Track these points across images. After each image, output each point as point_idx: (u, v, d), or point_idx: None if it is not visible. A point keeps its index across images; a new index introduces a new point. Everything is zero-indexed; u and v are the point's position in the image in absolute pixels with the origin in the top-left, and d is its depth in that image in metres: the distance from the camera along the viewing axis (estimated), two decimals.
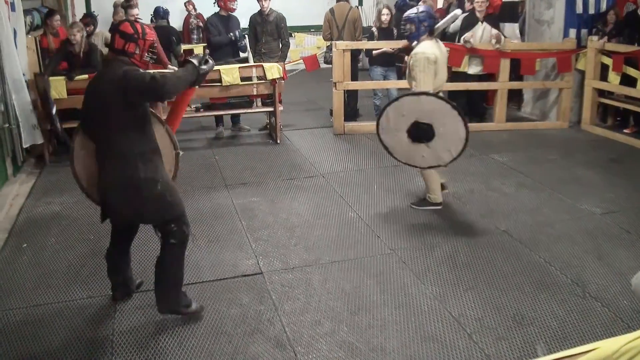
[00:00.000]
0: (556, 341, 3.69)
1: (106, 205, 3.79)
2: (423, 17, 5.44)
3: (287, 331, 3.83)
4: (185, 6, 12.38)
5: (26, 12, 7.72)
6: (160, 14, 9.85)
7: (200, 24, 12.24)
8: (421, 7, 5.64)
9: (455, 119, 5.12)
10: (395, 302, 4.16)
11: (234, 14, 8.58)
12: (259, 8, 8.59)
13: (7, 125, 6.62)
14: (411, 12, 5.56)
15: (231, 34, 8.30)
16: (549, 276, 4.49)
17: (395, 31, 9.08)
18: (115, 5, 10.39)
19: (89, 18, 9.38)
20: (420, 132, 5.24)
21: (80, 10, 12.04)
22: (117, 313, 4.08)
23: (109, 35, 8.34)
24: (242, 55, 9.09)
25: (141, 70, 3.63)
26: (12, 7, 6.73)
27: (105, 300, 4.24)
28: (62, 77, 7.27)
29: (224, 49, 8.49)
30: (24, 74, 6.91)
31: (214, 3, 8.62)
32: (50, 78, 7.27)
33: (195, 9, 12.35)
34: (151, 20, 10.20)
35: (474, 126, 8.60)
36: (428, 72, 5.30)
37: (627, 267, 4.55)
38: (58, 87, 7.20)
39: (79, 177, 3.93)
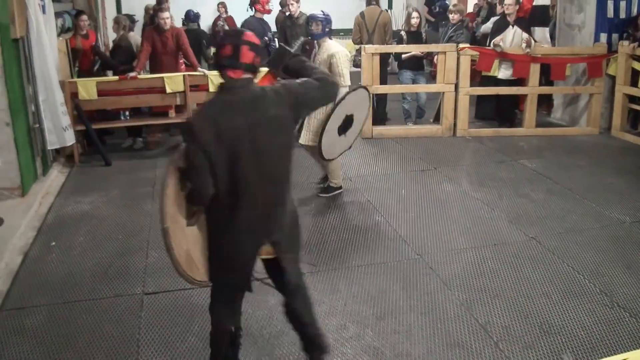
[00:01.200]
0: (583, 351, 3.64)
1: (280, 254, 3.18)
2: (329, 20, 6.12)
3: None
4: (218, 8, 12.45)
5: (57, 14, 7.79)
6: (191, 17, 9.91)
7: (226, 27, 12.26)
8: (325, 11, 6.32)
9: (366, 101, 5.88)
10: (422, 308, 4.14)
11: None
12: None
13: (37, 125, 6.71)
14: (318, 14, 6.12)
15: (265, 37, 8.36)
16: (577, 285, 4.42)
17: (424, 35, 9.05)
18: (146, 9, 10.48)
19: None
20: (345, 124, 5.69)
21: (111, 12, 12.15)
22: (143, 312, 4.13)
23: (138, 39, 8.40)
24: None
25: (295, 80, 3.08)
26: (43, 10, 6.79)
27: (131, 299, 4.28)
28: (93, 79, 7.41)
29: None
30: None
31: (249, 6, 8.68)
32: (78, 80, 7.37)
33: (226, 12, 12.41)
34: (182, 24, 10.27)
35: (504, 131, 8.59)
36: (349, 67, 5.99)
37: None
38: (88, 88, 7.29)
39: (183, 266, 2.94)
